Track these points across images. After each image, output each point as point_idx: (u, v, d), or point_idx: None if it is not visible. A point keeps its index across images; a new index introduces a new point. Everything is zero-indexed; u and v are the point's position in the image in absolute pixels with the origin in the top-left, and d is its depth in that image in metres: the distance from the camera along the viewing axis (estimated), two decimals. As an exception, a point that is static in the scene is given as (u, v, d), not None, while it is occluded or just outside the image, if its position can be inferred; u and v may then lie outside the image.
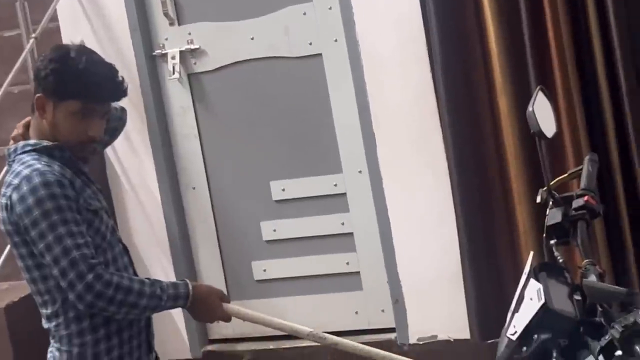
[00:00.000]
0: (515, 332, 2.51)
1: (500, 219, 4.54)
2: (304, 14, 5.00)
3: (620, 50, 4.22)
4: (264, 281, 5.27)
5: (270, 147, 5.17)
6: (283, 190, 5.16)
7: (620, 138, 4.29)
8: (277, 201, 5.19)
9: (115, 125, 3.57)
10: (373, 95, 4.80)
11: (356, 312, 5.10)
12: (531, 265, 2.64)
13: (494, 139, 4.50)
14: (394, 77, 4.75)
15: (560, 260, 2.67)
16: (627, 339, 2.28)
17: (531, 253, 2.77)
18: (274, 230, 5.22)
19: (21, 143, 3.18)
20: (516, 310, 2.57)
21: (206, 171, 5.28)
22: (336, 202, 5.06)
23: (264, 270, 5.27)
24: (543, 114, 2.77)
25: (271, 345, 5.17)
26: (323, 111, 5.02)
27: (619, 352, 2.31)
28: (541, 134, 2.73)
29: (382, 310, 5.03)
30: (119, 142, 4.79)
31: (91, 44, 3.61)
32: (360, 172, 4.97)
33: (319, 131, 5.06)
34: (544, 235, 2.74)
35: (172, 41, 5.22)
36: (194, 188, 5.31)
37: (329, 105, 5.00)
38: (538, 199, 2.82)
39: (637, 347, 2.26)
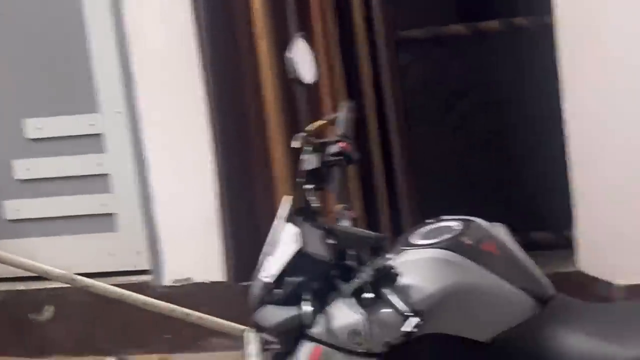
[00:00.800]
0: (270, 274, 2.55)
1: (257, 162, 4.57)
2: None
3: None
4: (17, 221, 5.14)
5: (24, 84, 5.01)
6: (38, 128, 5.02)
7: (376, 87, 4.40)
8: (31, 139, 5.05)
9: None
10: (133, 35, 4.73)
11: (111, 254, 5.04)
12: (285, 209, 2.68)
13: (254, 83, 4.52)
14: (155, 17, 4.69)
15: (315, 205, 2.71)
16: (376, 282, 2.35)
17: (285, 197, 2.80)
18: (28, 169, 5.08)
19: None
20: (270, 253, 2.60)
21: (-46, 106, 5.08)
22: (93, 142, 4.97)
23: (17, 210, 5.14)
24: (302, 60, 2.79)
25: (21, 286, 5.07)
26: (81, 49, 4.90)
27: (368, 295, 2.38)
28: (300, 80, 2.76)
29: (138, 253, 5.00)
30: None
31: None
32: (118, 112, 4.89)
33: (76, 69, 4.94)
34: (300, 179, 2.77)
35: None
36: (-59, 124, 5.10)
37: (87, 44, 4.89)
38: (295, 144, 2.85)
39: (385, 290, 2.34)
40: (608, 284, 4.10)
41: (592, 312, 2.61)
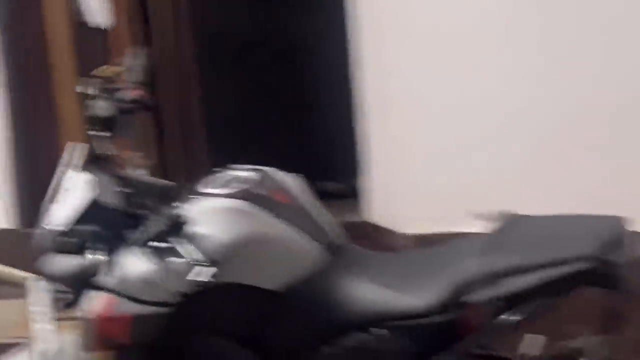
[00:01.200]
0: (61, 223, 2.50)
1: (44, 108, 4.47)
2: None
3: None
4: None
5: None
6: None
7: (176, 32, 4.35)
8: None
9: None
10: None
11: None
12: (71, 155, 2.61)
13: (40, 26, 4.39)
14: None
15: (108, 153, 2.66)
16: (168, 231, 2.34)
17: (70, 143, 2.73)
18: None
19: None
20: (57, 200, 2.55)
21: None
22: None
23: None
24: (92, 3, 2.73)
25: None
26: None
27: (161, 244, 2.37)
28: (87, 22, 2.70)
29: None
30: None
31: None
32: None
33: None
34: (89, 126, 2.71)
35: None
36: None
37: None
38: (81, 89, 2.77)
39: (178, 240, 2.33)
40: (397, 234, 4.20)
41: (380, 261, 2.67)
